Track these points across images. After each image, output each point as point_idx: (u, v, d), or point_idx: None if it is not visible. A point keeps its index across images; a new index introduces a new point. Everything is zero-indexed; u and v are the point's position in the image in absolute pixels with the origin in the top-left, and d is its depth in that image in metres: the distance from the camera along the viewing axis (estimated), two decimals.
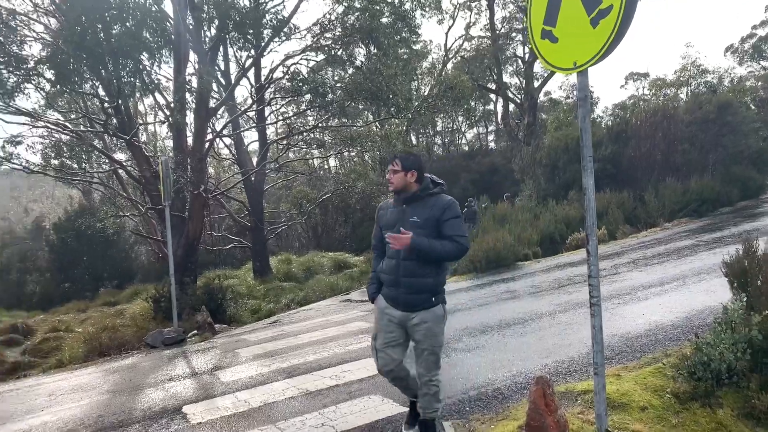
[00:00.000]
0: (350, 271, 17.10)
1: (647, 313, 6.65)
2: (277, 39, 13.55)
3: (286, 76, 15.31)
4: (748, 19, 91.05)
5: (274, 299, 13.63)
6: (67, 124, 15.27)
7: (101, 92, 12.23)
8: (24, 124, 13.41)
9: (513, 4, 31.78)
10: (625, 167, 18.34)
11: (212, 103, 14.28)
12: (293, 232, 26.68)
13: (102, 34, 10.67)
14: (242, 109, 19.81)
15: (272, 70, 16.35)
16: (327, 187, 23.66)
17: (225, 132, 18.17)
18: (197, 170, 12.85)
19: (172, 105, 13.60)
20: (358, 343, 7.23)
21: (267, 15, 13.00)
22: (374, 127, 19.09)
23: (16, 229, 34.47)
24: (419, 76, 35.95)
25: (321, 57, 15.78)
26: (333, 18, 14.85)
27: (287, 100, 18.47)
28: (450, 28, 60.54)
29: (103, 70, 11.08)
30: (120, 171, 16.52)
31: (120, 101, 12.40)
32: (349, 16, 14.37)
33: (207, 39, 12.81)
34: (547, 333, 6.45)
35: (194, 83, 14.62)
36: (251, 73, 18.17)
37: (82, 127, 16.47)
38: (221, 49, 16.28)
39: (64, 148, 18.07)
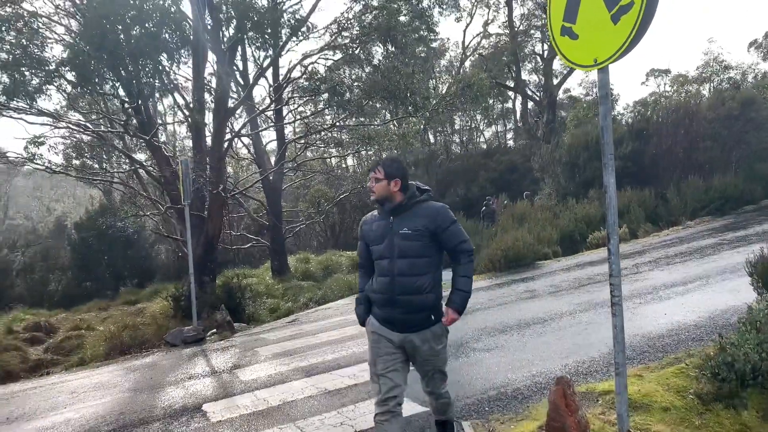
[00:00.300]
0: None
1: (669, 312, 6.56)
2: (294, 38, 13.55)
3: (304, 76, 15.32)
4: None
5: (293, 298, 13.66)
6: (88, 124, 15.44)
7: (121, 93, 12.32)
8: (46, 124, 13.52)
9: (532, 1, 31.48)
10: (646, 165, 18.11)
11: (231, 103, 14.36)
12: (311, 231, 26.69)
13: (122, 36, 10.76)
14: (260, 108, 19.91)
15: (290, 70, 16.39)
16: (345, 186, 23.67)
17: (243, 132, 18.26)
18: (216, 170, 12.94)
19: (191, 105, 13.69)
20: None
21: (285, 14, 13.01)
22: (392, 126, 19.05)
23: (38, 229, 34.99)
24: (437, 75, 35.92)
25: (338, 56, 15.76)
26: (351, 16, 14.81)
27: (305, 99, 18.53)
28: (468, 25, 59.76)
29: (123, 71, 11.17)
30: (140, 171, 16.65)
31: (140, 102, 12.50)
32: (367, 15, 14.34)
33: (225, 39, 12.85)
34: (568, 332, 6.39)
35: (213, 83, 14.72)
36: (269, 73, 18.25)
37: (102, 128, 16.64)
38: (239, 49, 16.33)
39: (86, 149, 18.35)
